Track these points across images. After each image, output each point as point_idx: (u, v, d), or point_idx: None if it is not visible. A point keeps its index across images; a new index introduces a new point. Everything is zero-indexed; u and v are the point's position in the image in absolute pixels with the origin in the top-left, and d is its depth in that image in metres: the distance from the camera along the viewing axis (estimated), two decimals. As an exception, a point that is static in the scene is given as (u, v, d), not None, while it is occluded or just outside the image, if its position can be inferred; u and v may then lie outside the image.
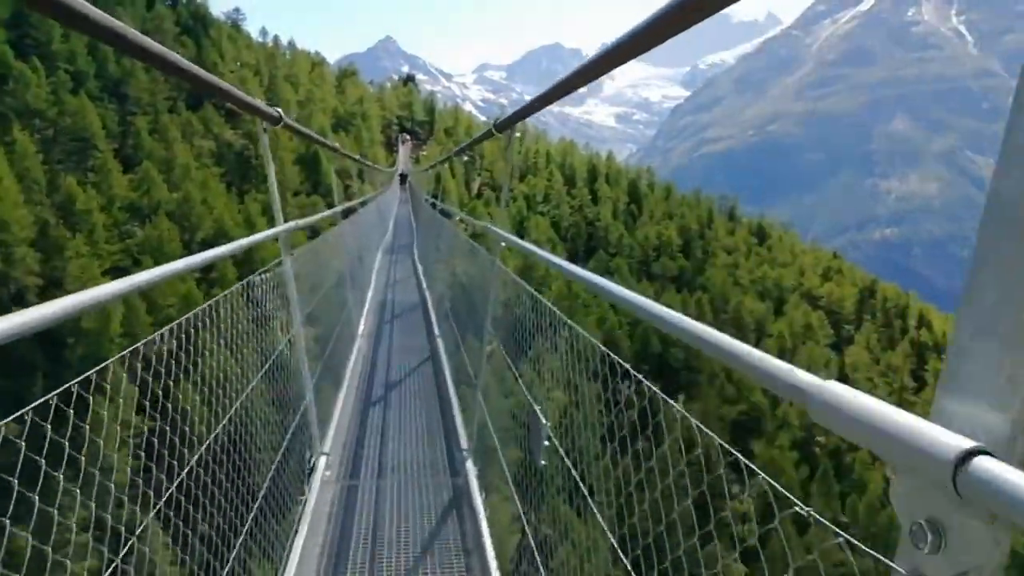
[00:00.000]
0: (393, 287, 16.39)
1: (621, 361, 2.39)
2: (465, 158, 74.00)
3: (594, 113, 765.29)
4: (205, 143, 52.03)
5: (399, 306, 14.02)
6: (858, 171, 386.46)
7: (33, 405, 1.62)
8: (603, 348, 2.59)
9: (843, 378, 45.30)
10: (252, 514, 3.61)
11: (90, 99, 43.11)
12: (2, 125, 37.06)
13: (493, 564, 4.30)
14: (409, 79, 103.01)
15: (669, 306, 1.64)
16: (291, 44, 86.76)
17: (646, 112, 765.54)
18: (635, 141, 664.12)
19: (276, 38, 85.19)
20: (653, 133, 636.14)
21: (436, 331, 10.81)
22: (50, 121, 40.43)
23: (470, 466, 5.54)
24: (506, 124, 4.28)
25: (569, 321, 3.14)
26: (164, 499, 2.57)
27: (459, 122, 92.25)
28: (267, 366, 4.12)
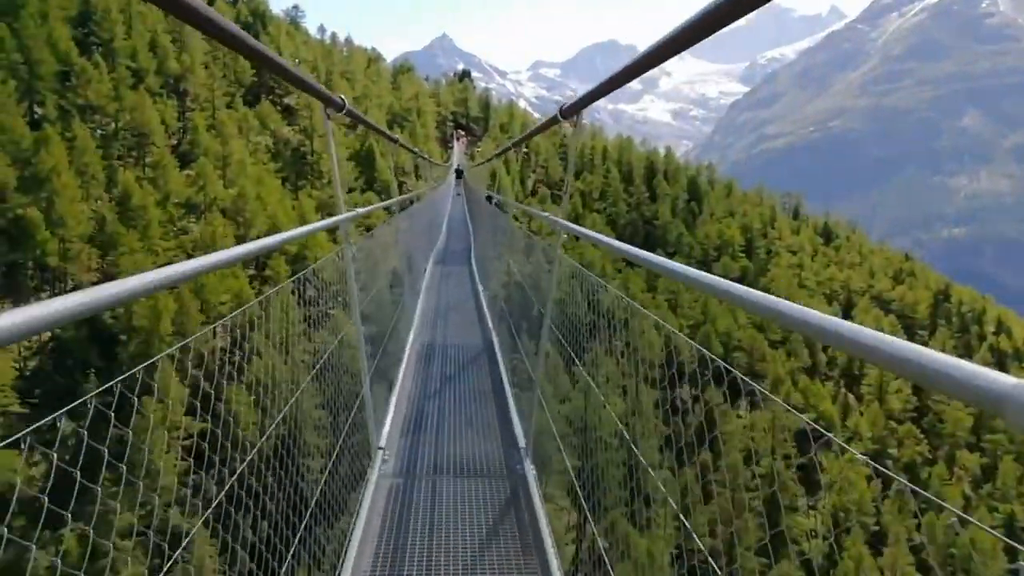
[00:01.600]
0: (445, 319, 11.90)
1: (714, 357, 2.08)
2: (522, 152, 72.90)
3: (649, 109, 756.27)
4: (261, 139, 51.98)
5: (453, 359, 9.06)
6: (925, 168, 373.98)
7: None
8: (696, 346, 2.24)
9: (918, 387, 42.74)
10: (304, 521, 3.48)
11: (150, 95, 43.25)
12: (64, 121, 37.28)
13: None
14: (464, 75, 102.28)
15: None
16: (348, 40, 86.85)
17: (703, 108, 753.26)
18: (691, 137, 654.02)
19: (334, 35, 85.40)
20: (710, 129, 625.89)
21: (520, 435, 5.86)
22: (110, 116, 40.61)
23: None
24: (572, 110, 3.78)
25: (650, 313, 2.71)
26: (214, 504, 2.35)
27: (514, 118, 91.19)
28: (319, 366, 4.04)
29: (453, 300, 13.56)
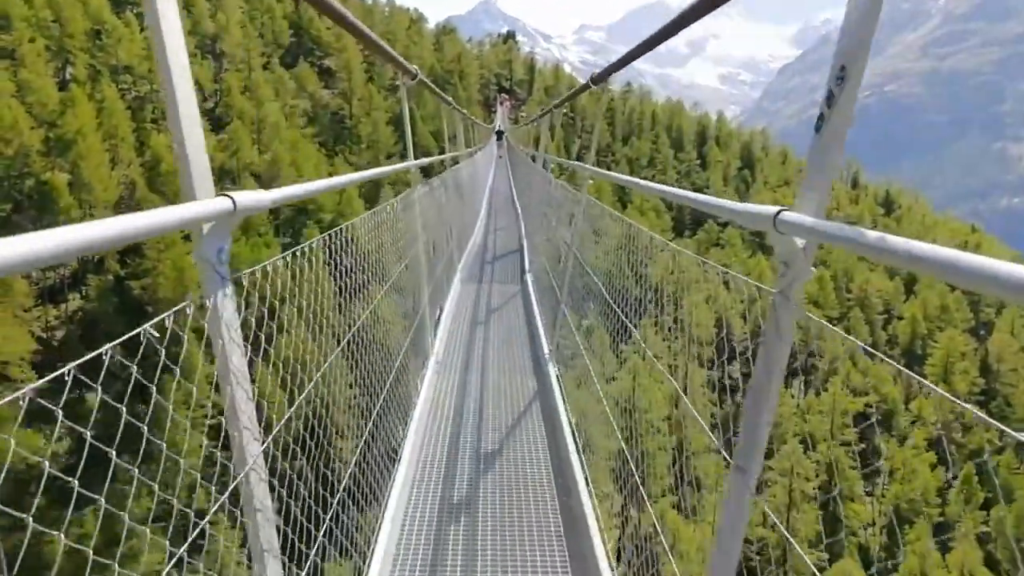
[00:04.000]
0: (470, 490, 4.83)
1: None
2: (566, 116, 70.25)
3: (696, 74, 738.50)
4: (300, 102, 50.28)
5: None
6: (985, 134, 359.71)
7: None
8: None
9: (985, 368, 39.67)
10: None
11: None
12: (94, 81, 35.94)
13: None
14: (509, 36, 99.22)
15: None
16: (390, 1, 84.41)
17: (752, 72, 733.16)
18: (739, 102, 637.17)
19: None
20: (758, 94, 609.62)
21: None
22: (142, 77, 39.22)
23: None
24: (602, 77, 4.21)
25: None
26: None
27: (560, 81, 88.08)
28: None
29: (500, 413, 6.04)
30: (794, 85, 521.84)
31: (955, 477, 42.42)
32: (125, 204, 31.19)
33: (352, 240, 4.51)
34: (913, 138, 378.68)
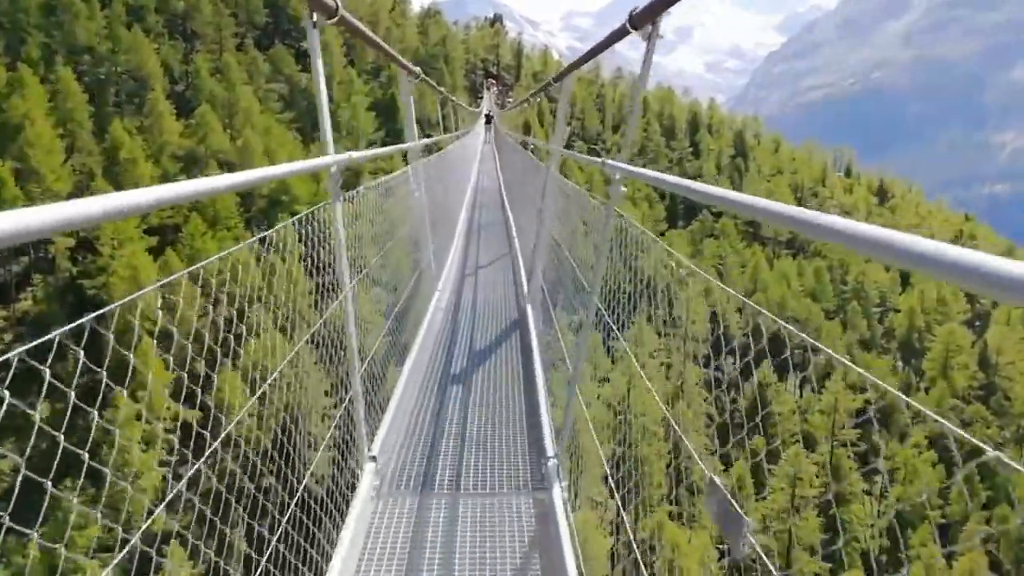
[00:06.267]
0: None
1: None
2: (547, 102, 68.16)
3: (683, 62, 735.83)
4: (276, 86, 47.73)
5: None
6: (969, 123, 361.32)
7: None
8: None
9: (984, 362, 38.29)
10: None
11: (151, 35, 39.07)
12: (47, 62, 33.28)
13: None
14: (496, 19, 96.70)
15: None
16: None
17: (738, 59, 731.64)
18: (725, 90, 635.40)
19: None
20: (745, 82, 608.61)
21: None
22: (103, 58, 36.58)
23: None
24: (646, 16, 3.04)
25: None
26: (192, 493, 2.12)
27: (548, 66, 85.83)
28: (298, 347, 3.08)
29: None
30: (780, 72, 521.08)
31: (949, 482, 40.96)
32: (79, 195, 28.75)
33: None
34: (899, 127, 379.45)
